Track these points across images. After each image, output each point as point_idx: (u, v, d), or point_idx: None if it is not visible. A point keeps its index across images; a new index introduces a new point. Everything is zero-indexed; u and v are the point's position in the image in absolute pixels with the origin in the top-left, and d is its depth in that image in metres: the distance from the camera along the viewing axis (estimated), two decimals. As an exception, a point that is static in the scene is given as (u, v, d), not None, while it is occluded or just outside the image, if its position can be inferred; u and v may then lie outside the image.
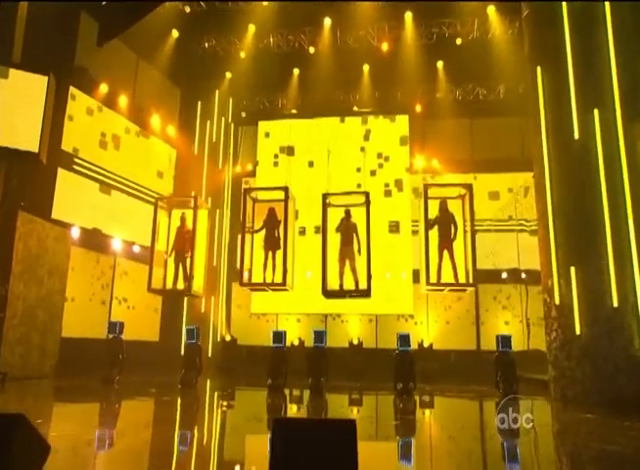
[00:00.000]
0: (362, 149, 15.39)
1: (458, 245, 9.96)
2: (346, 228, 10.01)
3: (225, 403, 8.55)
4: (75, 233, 12.01)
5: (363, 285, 9.71)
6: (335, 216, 10.16)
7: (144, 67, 14.57)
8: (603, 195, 7.98)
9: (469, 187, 10.08)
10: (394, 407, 7.86)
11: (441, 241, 10.00)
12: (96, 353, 11.32)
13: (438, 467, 4.33)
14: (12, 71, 9.78)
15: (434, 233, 9.95)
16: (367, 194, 10.16)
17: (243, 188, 11.86)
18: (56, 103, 10.92)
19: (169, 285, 10.69)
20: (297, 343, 13.84)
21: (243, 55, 14.91)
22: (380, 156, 15.48)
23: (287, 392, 8.93)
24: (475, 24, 14.04)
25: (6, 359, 9.49)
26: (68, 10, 11.46)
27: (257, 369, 12.85)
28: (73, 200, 12.39)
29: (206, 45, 14.98)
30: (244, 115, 16.33)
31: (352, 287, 9.86)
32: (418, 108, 15.48)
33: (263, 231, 10.59)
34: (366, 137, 15.72)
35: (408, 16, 14.04)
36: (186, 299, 14.63)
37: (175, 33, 14.38)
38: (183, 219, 10.85)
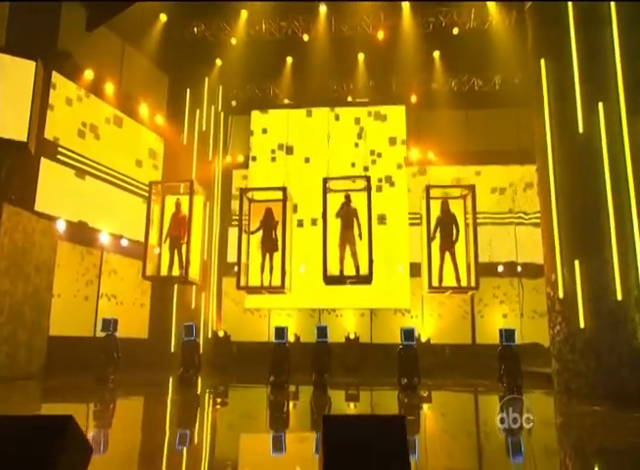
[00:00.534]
0: (356, 145, 15.37)
1: (459, 244, 10.12)
2: (347, 213, 10.07)
3: (233, 402, 8.55)
4: (61, 226, 11.83)
5: (364, 271, 9.74)
6: (335, 202, 10.15)
7: (130, 53, 14.34)
8: (607, 188, 8.20)
9: (471, 188, 10.21)
10: (409, 403, 8.00)
11: (443, 242, 10.14)
12: (84, 352, 11.26)
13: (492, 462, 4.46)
14: (-4, 55, 9.53)
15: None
16: (368, 178, 10.24)
17: (239, 188, 11.77)
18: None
19: (164, 272, 10.57)
20: (292, 339, 13.90)
21: (234, 41, 14.78)
22: (372, 153, 15.53)
23: (291, 389, 9.00)
24: (472, 14, 14.17)
25: (-8, 359, 9.35)
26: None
27: (252, 366, 13.01)
28: (57, 191, 12.19)
29: (196, 31, 14.79)
30: (234, 103, 16.22)
31: (353, 273, 9.90)
32: (413, 98, 15.59)
33: (260, 232, 10.60)
34: (359, 135, 15.69)
35: (405, 4, 14.09)
36: (176, 295, 14.55)
37: (163, 18, 14.18)
38: (178, 205, 10.80)
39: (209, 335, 14.88)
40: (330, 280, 9.90)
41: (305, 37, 14.63)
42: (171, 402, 8.02)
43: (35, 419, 2.54)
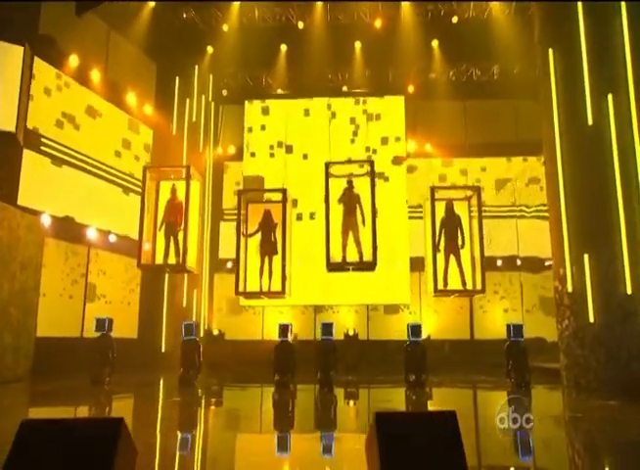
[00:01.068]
0: (352, 141, 15.33)
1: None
2: (349, 199, 10.03)
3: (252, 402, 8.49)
4: (46, 222, 11.61)
5: (368, 257, 9.70)
6: (337, 188, 10.11)
7: (116, 39, 14.09)
8: (616, 181, 8.34)
9: (476, 189, 10.30)
10: (421, 400, 8.08)
11: (447, 244, 10.21)
12: (72, 354, 11.11)
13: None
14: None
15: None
16: (372, 163, 10.21)
17: (237, 190, 11.70)
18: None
19: (159, 260, 10.40)
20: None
21: (225, 28, 14.63)
22: (368, 149, 15.50)
23: (297, 387, 9.03)
24: (471, 3, 14.26)
25: (-24, 362, 9.16)
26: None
27: (246, 365, 13.00)
28: (41, 184, 11.96)
29: (185, 16, 14.61)
30: (225, 93, 16.06)
31: (356, 260, 9.87)
32: (410, 88, 15.64)
33: (259, 235, 10.53)
34: (355, 133, 15.64)
35: (403, -9, 14.13)
36: (166, 292, 14.43)
37: (151, 3, 13.96)
38: (174, 191, 10.64)
39: (201, 333, 14.77)
40: (332, 267, 9.82)
41: (300, 24, 14.55)
42: (187, 406, 7.90)
43: (91, 422, 2.56)
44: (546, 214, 14.18)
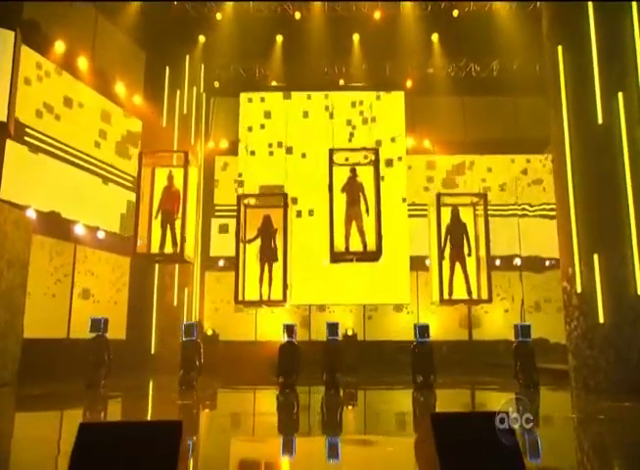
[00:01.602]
0: (351, 135, 15.37)
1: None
2: (352, 188, 10.04)
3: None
4: (31, 216, 11.42)
5: (372, 247, 9.70)
6: (340, 177, 10.12)
7: (104, 26, 13.89)
8: (627, 180, 8.58)
9: (483, 196, 10.45)
10: (431, 403, 8.18)
11: (453, 252, 10.33)
12: (61, 356, 10.96)
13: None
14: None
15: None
16: (376, 151, 10.24)
17: (238, 195, 11.64)
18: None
19: (155, 249, 10.24)
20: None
21: (219, 17, 14.55)
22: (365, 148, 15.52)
23: (301, 389, 9.06)
24: (472, -4, 14.44)
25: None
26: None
27: (240, 366, 12.98)
28: (26, 178, 11.75)
29: (176, 3, 14.49)
30: (217, 84, 15.96)
31: (360, 249, 9.87)
32: (409, 83, 15.76)
33: (258, 241, 10.51)
34: (352, 134, 15.68)
35: (403, -17, 14.23)
36: (156, 291, 14.32)
37: (141, -12, 13.81)
38: (170, 178, 10.50)
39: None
40: (336, 257, 9.83)
41: (297, 15, 14.55)
42: (198, 409, 7.86)
43: (150, 424, 2.67)
44: (549, 213, 14.58)
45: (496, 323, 14.61)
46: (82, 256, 12.93)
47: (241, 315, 15.01)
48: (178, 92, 15.06)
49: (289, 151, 15.11)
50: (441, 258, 10.27)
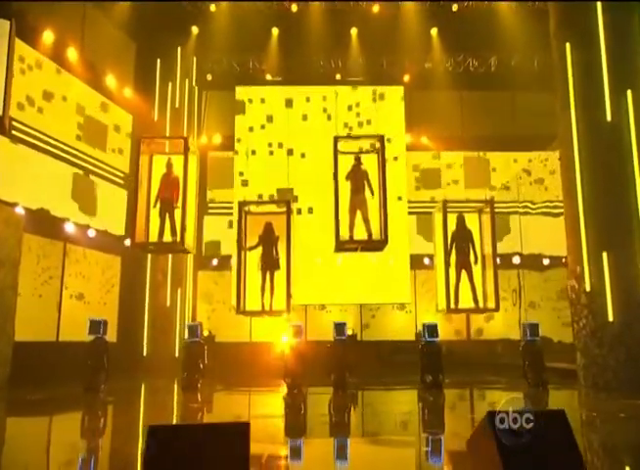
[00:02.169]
0: (350, 129, 15.42)
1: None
2: (357, 176, 10.06)
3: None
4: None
5: (377, 236, 9.71)
6: (344, 166, 10.10)
7: (93, 16, 13.73)
8: (635, 177, 8.84)
9: (489, 203, 10.60)
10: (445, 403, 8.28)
11: (459, 259, 10.45)
12: (51, 359, 10.83)
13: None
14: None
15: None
16: (381, 138, 10.23)
17: (238, 201, 11.60)
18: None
19: (153, 238, 10.08)
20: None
21: (213, 8, 14.49)
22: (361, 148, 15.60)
23: (311, 391, 9.11)
24: (473, -10, 14.62)
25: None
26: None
27: (236, 367, 12.96)
28: (13, 174, 11.57)
29: (168, -7, 14.35)
30: (210, 77, 15.87)
31: (365, 238, 9.86)
32: (406, 78, 15.87)
33: (260, 249, 10.46)
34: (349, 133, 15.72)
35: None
36: (148, 292, 14.22)
37: (132, -24, 13.66)
38: (169, 165, 10.36)
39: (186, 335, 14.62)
40: (340, 246, 9.84)
41: (294, 7, 14.56)
42: (214, 412, 7.81)
43: (221, 425, 2.75)
44: (552, 211, 14.86)
45: (496, 323, 14.82)
46: (72, 255, 12.76)
47: (235, 316, 14.94)
48: (170, 85, 14.96)
49: (289, 152, 15.12)
50: (447, 264, 10.38)
